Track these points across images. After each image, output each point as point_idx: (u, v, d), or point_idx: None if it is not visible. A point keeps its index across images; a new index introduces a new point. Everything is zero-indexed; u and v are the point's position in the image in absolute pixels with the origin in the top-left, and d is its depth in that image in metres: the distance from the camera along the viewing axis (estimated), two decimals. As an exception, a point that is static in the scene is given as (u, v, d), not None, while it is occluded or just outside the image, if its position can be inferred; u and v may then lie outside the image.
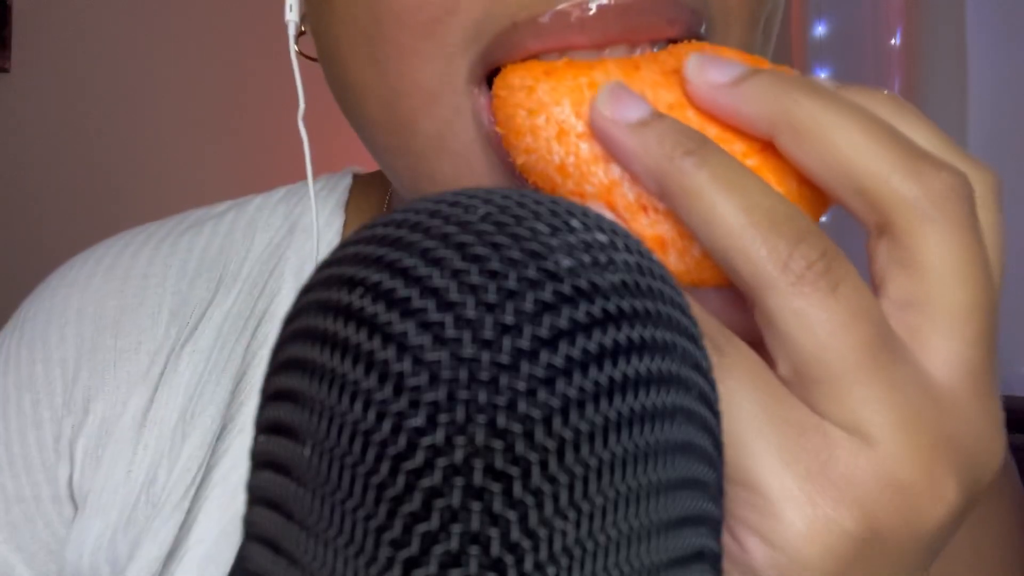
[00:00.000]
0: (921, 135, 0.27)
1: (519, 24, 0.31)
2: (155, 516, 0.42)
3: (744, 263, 0.25)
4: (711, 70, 0.28)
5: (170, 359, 0.45)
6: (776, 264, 0.25)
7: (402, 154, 0.35)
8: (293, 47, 0.39)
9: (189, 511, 0.43)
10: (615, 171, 0.28)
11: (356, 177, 0.50)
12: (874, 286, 0.27)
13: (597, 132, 0.28)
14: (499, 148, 0.32)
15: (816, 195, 0.28)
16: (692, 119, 0.29)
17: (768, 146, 0.28)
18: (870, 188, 0.26)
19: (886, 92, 0.28)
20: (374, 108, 0.35)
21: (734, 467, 0.24)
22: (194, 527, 0.43)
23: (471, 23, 0.32)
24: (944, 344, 0.25)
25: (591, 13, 0.31)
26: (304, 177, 0.41)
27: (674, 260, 0.28)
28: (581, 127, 0.29)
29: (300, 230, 0.47)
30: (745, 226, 0.25)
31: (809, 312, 0.25)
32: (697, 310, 0.25)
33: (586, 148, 0.29)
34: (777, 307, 0.25)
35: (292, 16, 0.38)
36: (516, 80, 0.30)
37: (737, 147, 0.28)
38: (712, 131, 0.28)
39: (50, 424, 0.45)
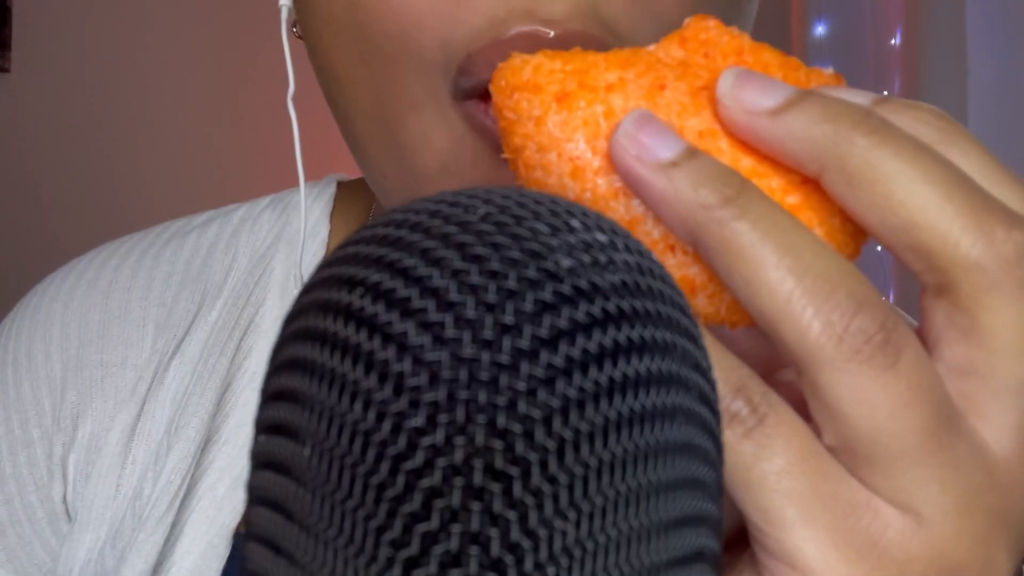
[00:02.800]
0: (974, 164, 0.25)
1: (474, 53, 0.31)
2: (140, 529, 0.42)
3: (792, 333, 0.23)
4: (749, 93, 0.25)
5: (157, 373, 0.44)
6: (830, 338, 0.22)
7: (389, 145, 0.34)
8: (284, 30, 0.39)
9: (174, 524, 0.42)
10: (637, 207, 0.25)
11: (340, 185, 0.50)
12: (927, 345, 0.24)
13: (620, 171, 0.25)
14: (490, 137, 0.31)
15: (859, 229, 0.26)
16: (724, 150, 0.26)
17: (810, 179, 0.25)
18: (934, 249, 0.23)
19: (932, 109, 0.25)
20: (363, 99, 0.34)
21: (778, 545, 0.23)
22: (180, 540, 0.42)
23: (438, 42, 0.31)
24: (1001, 416, 0.24)
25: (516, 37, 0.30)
26: (303, 169, 0.41)
27: (703, 303, 0.26)
28: (598, 162, 0.25)
29: (285, 240, 0.47)
30: (795, 294, 0.23)
31: (866, 391, 0.22)
32: (735, 367, 0.24)
33: (604, 183, 0.25)
34: (829, 383, 0.23)
35: (285, 1, 0.39)
36: (523, 105, 0.26)
37: (775, 182, 0.25)
38: (747, 163, 0.25)
39: (40, 443, 0.45)
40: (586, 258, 0.19)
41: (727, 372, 0.24)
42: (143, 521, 0.42)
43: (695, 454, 0.19)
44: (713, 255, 0.24)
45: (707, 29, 0.28)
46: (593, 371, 0.17)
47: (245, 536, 0.20)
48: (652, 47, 0.28)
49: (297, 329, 0.19)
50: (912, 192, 0.23)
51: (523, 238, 0.18)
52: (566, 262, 0.18)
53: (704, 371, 0.20)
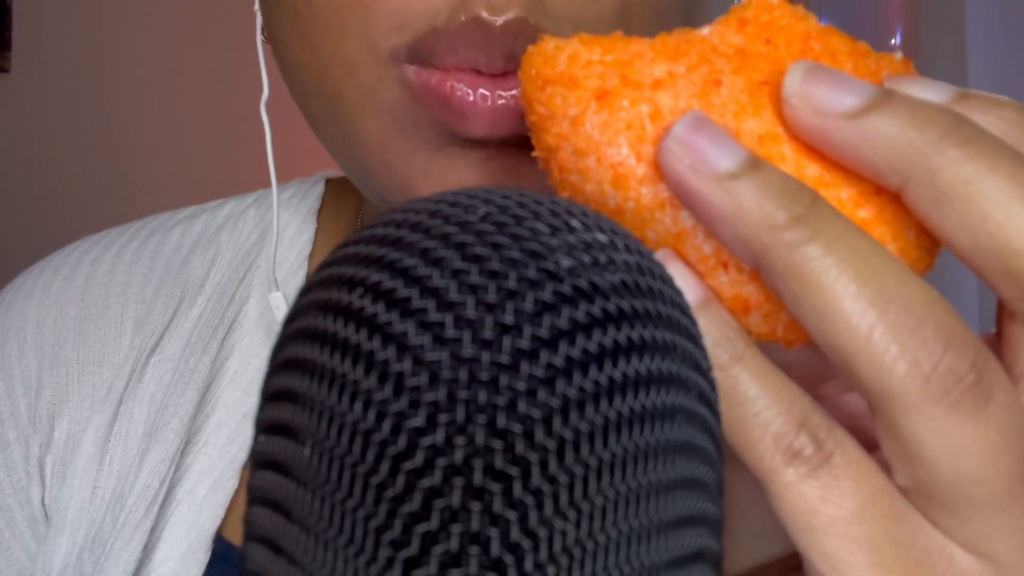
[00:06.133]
0: None
1: (438, 29, 0.30)
2: (118, 536, 0.40)
3: (873, 372, 0.20)
4: (821, 91, 0.22)
5: (135, 371, 0.43)
6: (916, 379, 0.20)
7: (332, 120, 0.34)
8: (260, 33, 0.38)
9: (152, 530, 0.41)
10: (686, 219, 0.23)
11: (329, 182, 0.49)
12: (1011, 375, 0.23)
13: (670, 182, 0.22)
14: (427, 102, 0.31)
15: (934, 241, 0.23)
16: (788, 156, 0.23)
17: (883, 189, 0.23)
18: None
19: (1018, 106, 0.23)
20: (308, 80, 0.34)
21: None
22: (158, 546, 0.41)
23: (392, 11, 0.30)
24: None
25: (497, 24, 0.29)
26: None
27: (757, 321, 0.23)
28: (642, 170, 0.23)
29: (271, 237, 0.46)
30: (878, 329, 0.20)
31: (954, 437, 0.20)
32: (796, 397, 0.22)
33: (648, 193, 0.23)
34: (912, 427, 0.21)
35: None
36: (557, 101, 0.24)
37: (845, 192, 0.23)
38: (812, 171, 0.23)
39: (17, 444, 0.44)
40: (586, 258, 0.19)
41: (788, 403, 0.22)
42: (121, 526, 0.41)
43: (695, 454, 0.19)
44: (779, 281, 0.21)
45: (770, 9, 0.25)
46: (593, 371, 0.17)
47: (245, 536, 0.20)
48: (706, 31, 0.25)
49: (297, 329, 0.19)
50: (1013, 214, 0.21)
51: (523, 238, 0.18)
52: (566, 262, 0.18)
53: (704, 371, 0.20)
